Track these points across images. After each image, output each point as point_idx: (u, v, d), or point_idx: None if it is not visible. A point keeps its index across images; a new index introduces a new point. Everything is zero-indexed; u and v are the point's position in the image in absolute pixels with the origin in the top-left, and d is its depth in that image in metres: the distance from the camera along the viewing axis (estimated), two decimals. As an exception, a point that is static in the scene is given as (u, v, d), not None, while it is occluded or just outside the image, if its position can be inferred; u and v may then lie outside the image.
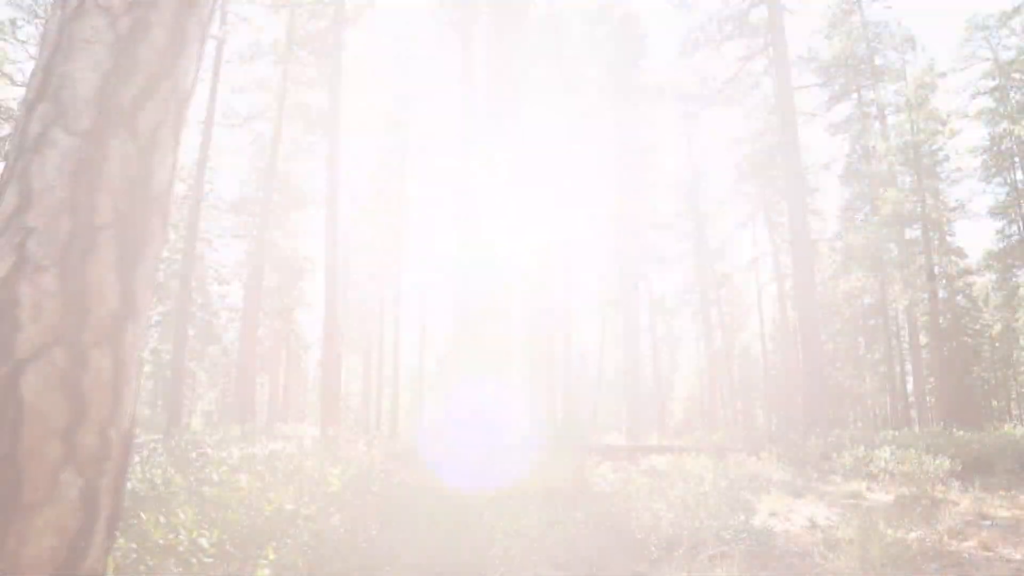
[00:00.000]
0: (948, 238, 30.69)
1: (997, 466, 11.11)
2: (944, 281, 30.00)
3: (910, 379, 35.37)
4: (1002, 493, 8.84)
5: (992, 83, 29.47)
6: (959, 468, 9.98)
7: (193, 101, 1.97)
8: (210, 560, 2.30)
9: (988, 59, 29.68)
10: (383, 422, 36.58)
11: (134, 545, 2.30)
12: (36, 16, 25.70)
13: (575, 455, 10.61)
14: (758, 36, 22.03)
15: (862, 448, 11.95)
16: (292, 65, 23.85)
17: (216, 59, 21.04)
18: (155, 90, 1.80)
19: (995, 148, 29.28)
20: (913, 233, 29.20)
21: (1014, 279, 30.53)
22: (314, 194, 32.22)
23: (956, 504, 7.95)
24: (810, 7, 32.97)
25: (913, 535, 4.86)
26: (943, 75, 29.86)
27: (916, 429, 20.54)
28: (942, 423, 23.78)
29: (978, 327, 33.35)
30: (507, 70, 8.61)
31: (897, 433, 16.55)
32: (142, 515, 2.43)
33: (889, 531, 4.65)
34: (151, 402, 36.87)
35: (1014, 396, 38.54)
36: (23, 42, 25.33)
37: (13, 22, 24.88)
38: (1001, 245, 30.39)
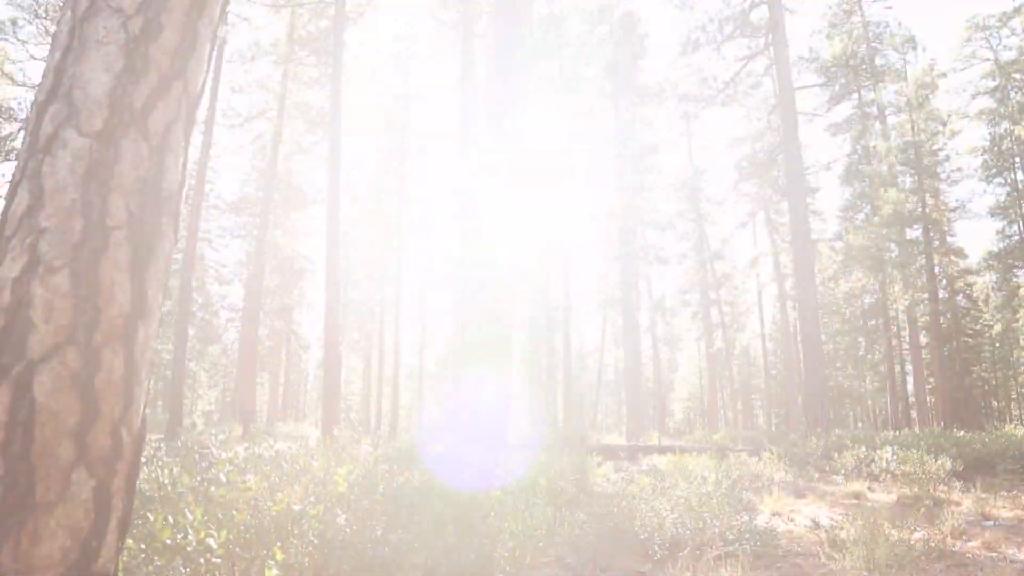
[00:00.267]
0: (949, 238, 30.73)
1: (998, 467, 11.11)
2: (944, 281, 30.02)
3: (910, 379, 35.39)
4: (1004, 493, 8.84)
5: (992, 83, 29.49)
6: (960, 468, 9.99)
7: (203, 102, 1.97)
8: (218, 560, 2.31)
9: (988, 59, 29.70)
10: (383, 422, 36.58)
11: (142, 545, 2.31)
12: (37, 16, 25.71)
13: (576, 455, 10.61)
14: (759, 36, 22.04)
15: (863, 448, 11.95)
16: (293, 65, 23.85)
17: (217, 59, 21.04)
18: (166, 90, 1.80)
19: (995, 148, 29.32)
20: (914, 233, 29.22)
21: (1014, 279, 30.56)
22: (314, 194, 32.24)
23: (958, 504, 7.96)
24: (810, 7, 33.02)
25: (917, 535, 4.86)
26: (943, 75, 29.88)
27: (916, 429, 20.53)
28: (942, 423, 23.81)
29: (978, 327, 33.40)
30: (507, 70, 8.61)
31: (898, 433, 16.56)
32: (149, 515, 2.43)
33: (893, 531, 4.65)
34: (151, 402, 36.91)
35: (1014, 396, 38.57)
36: (24, 42, 25.34)
37: (14, 22, 24.89)
38: (1001, 245, 30.43)
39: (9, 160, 23.98)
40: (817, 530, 5.79)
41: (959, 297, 31.92)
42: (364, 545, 2.60)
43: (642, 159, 29.90)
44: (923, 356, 31.99)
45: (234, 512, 2.63)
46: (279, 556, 2.33)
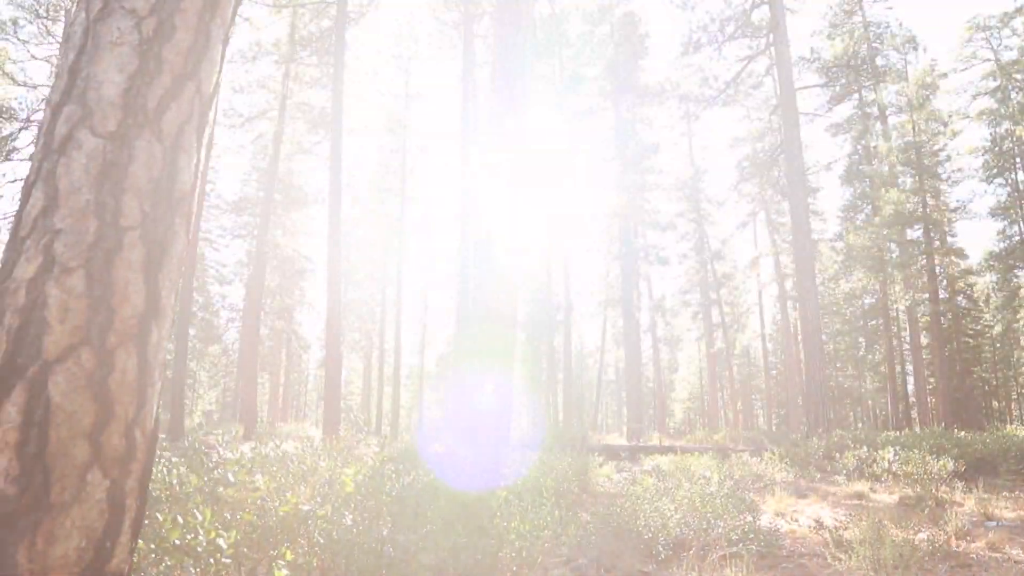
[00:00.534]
0: (949, 239, 30.72)
1: (1000, 467, 11.11)
2: (945, 282, 30.03)
3: (911, 379, 35.40)
4: (1006, 494, 8.85)
5: (993, 84, 29.49)
6: (962, 469, 9.99)
7: (215, 102, 1.97)
8: (228, 561, 2.31)
9: (989, 60, 29.70)
10: (384, 421, 36.58)
11: (152, 546, 2.31)
12: (38, 16, 25.72)
13: (578, 456, 10.62)
14: (760, 36, 22.03)
15: (865, 449, 11.96)
16: (294, 65, 23.85)
17: (218, 59, 21.00)
18: (180, 91, 1.80)
19: (996, 149, 29.32)
20: (914, 234, 29.21)
21: (1015, 280, 30.56)
22: (315, 194, 32.24)
23: (961, 505, 7.96)
24: (811, 7, 33.01)
25: (921, 536, 4.87)
26: (944, 76, 29.88)
27: (917, 430, 20.54)
28: (943, 424, 23.82)
29: (979, 328, 33.42)
30: (509, 70, 8.61)
31: (899, 434, 16.56)
32: (158, 516, 2.43)
33: (897, 532, 4.66)
34: (152, 402, 36.81)
35: (1015, 397, 38.59)
36: (24, 42, 25.34)
37: (15, 21, 24.90)
38: (1002, 246, 30.43)
39: (10, 160, 23.98)
40: (821, 530, 5.80)
41: (960, 297, 31.93)
42: (372, 545, 2.60)
43: (643, 159, 29.89)
44: (924, 356, 31.99)
45: (242, 512, 2.63)
46: (289, 556, 2.33)
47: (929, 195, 28.44)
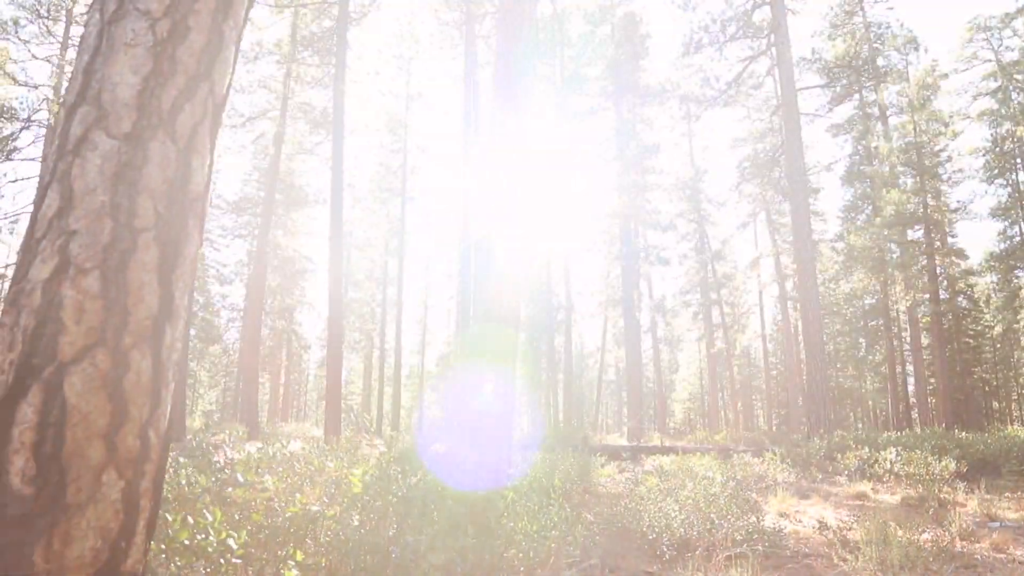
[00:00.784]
0: (950, 239, 30.73)
1: (1003, 468, 11.11)
2: (945, 282, 30.03)
3: (911, 380, 35.41)
4: (1008, 495, 8.85)
5: (994, 84, 29.50)
6: (964, 470, 10.00)
7: (227, 103, 1.98)
8: (238, 561, 2.31)
9: (990, 60, 29.72)
10: (384, 421, 36.57)
11: (162, 546, 2.31)
12: (39, 15, 25.72)
13: (580, 456, 10.62)
14: (761, 37, 22.04)
15: (866, 450, 11.96)
16: (295, 65, 23.85)
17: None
18: (193, 92, 1.80)
19: (997, 149, 29.32)
20: (915, 234, 29.22)
21: (1015, 281, 30.56)
22: (315, 194, 32.24)
23: (963, 506, 7.96)
24: (812, 7, 33.02)
25: (925, 536, 4.87)
26: (945, 76, 29.89)
27: (918, 430, 20.55)
28: (943, 424, 23.82)
29: (979, 328, 33.43)
30: (510, 70, 8.62)
31: (900, 434, 16.56)
32: (167, 516, 2.44)
33: (901, 533, 4.66)
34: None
35: (1015, 397, 38.60)
36: (26, 41, 25.32)
37: (16, 21, 24.90)
38: (1003, 246, 30.43)
39: (11, 160, 23.97)
40: (824, 531, 5.80)
41: (960, 298, 31.94)
42: (380, 545, 2.60)
43: (643, 159, 29.89)
44: (924, 357, 31.99)
45: (251, 513, 2.63)
46: (299, 557, 2.33)
47: (930, 196, 28.44)
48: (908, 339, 34.01)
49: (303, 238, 35.17)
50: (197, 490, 2.66)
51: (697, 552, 4.36)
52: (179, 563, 2.23)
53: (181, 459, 3.20)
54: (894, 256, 29.62)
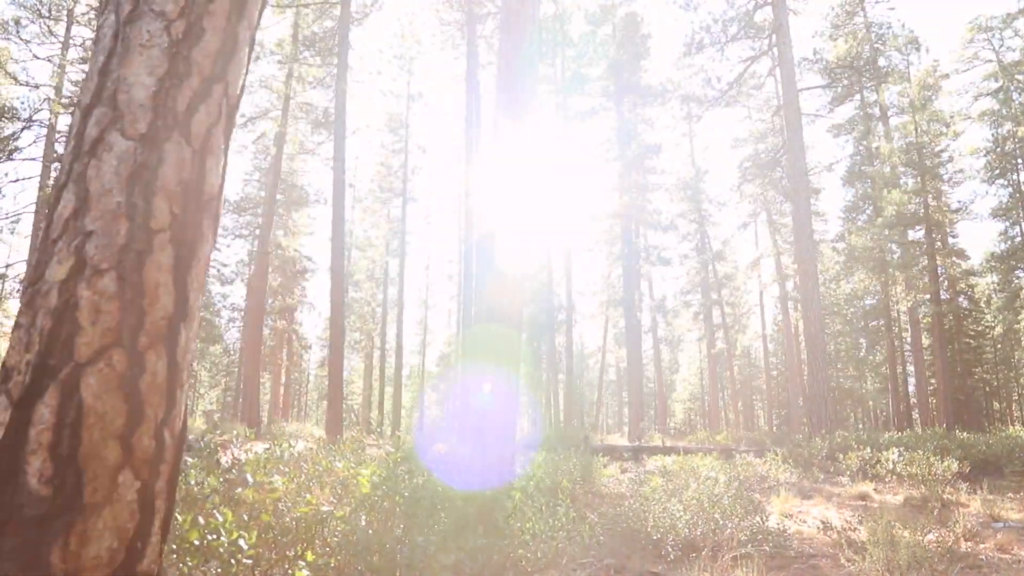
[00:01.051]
0: (951, 240, 30.72)
1: (1005, 468, 11.11)
2: (946, 283, 30.03)
3: (912, 380, 35.40)
4: (1011, 495, 8.85)
5: (995, 85, 29.50)
6: (966, 470, 10.00)
7: (241, 104, 1.98)
8: (248, 561, 2.31)
9: (991, 61, 29.72)
10: (385, 421, 36.56)
11: (173, 546, 2.31)
12: (40, 15, 25.73)
13: (583, 456, 10.62)
14: (762, 37, 22.04)
15: (868, 450, 11.97)
16: (297, 65, 23.86)
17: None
18: (208, 94, 1.81)
19: (998, 150, 29.31)
20: (916, 235, 29.21)
21: (1016, 281, 30.55)
22: (316, 194, 32.25)
23: (966, 506, 7.96)
24: (814, 7, 33.01)
25: (929, 537, 4.87)
26: (946, 77, 29.90)
27: (919, 430, 20.55)
28: (944, 425, 23.82)
29: (980, 329, 33.42)
30: (513, 70, 8.61)
31: (901, 435, 16.57)
32: (178, 517, 2.44)
33: (906, 534, 4.66)
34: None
35: (1015, 398, 38.58)
36: (27, 41, 25.35)
37: (17, 21, 24.90)
38: (1003, 247, 30.42)
39: (12, 160, 23.98)
40: (828, 531, 5.80)
41: (961, 298, 31.93)
42: (391, 545, 2.61)
43: (644, 160, 29.91)
44: (925, 357, 31.99)
45: (260, 513, 2.64)
46: (310, 557, 2.33)
47: (931, 196, 28.44)
48: (909, 339, 34.01)
49: (303, 238, 35.18)
50: (206, 490, 2.67)
51: (703, 553, 4.37)
52: (191, 563, 2.23)
53: (188, 459, 3.20)
54: (895, 256, 29.61)
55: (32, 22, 25.59)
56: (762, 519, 5.57)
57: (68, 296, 1.59)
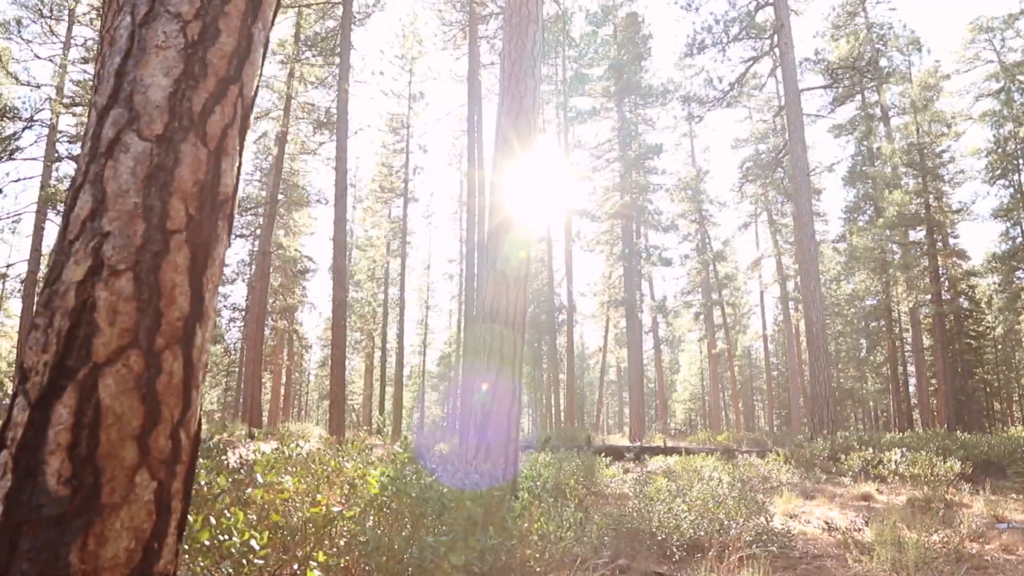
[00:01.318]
0: (952, 240, 30.72)
1: (1008, 469, 11.11)
2: (947, 283, 30.02)
3: (912, 381, 35.40)
4: (1014, 496, 8.86)
5: (996, 85, 29.49)
6: (969, 471, 10.01)
7: (255, 105, 1.99)
8: (260, 562, 2.31)
9: (992, 61, 29.73)
10: (386, 421, 36.54)
11: (185, 547, 2.32)
12: (41, 15, 25.74)
13: (585, 457, 10.63)
14: (764, 37, 22.05)
15: (870, 450, 11.97)
16: (299, 65, 23.86)
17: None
18: (224, 95, 1.81)
19: (999, 150, 29.29)
20: (917, 235, 29.21)
21: (1017, 282, 30.54)
22: (318, 193, 32.26)
23: (969, 507, 7.96)
24: (815, 8, 32.94)
25: (934, 538, 4.88)
26: (947, 77, 29.90)
27: (920, 431, 20.54)
28: (945, 425, 23.82)
29: (981, 329, 33.41)
30: (515, 70, 8.62)
31: (902, 435, 16.57)
32: (189, 517, 2.44)
33: (911, 534, 4.66)
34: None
35: (1016, 398, 38.58)
36: (28, 41, 25.37)
37: (19, 21, 24.91)
38: (1004, 247, 30.39)
39: (14, 159, 24.00)
40: (832, 532, 5.80)
41: (962, 299, 31.93)
42: (400, 546, 2.61)
43: (645, 160, 29.91)
44: (926, 358, 31.98)
45: (270, 513, 2.64)
46: (321, 557, 2.33)
47: (932, 197, 28.45)
48: (910, 340, 34.01)
49: (304, 238, 35.20)
50: (216, 491, 2.67)
51: (710, 553, 4.37)
52: (203, 564, 2.23)
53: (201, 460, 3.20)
54: (896, 257, 29.63)
55: (33, 22, 25.61)
56: (766, 519, 5.57)
57: (85, 297, 1.59)
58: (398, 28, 31.05)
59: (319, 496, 2.71)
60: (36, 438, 1.51)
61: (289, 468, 3.30)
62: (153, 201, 1.68)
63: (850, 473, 11.62)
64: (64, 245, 1.67)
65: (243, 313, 33.18)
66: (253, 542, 2.28)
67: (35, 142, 26.32)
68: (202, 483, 2.67)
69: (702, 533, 5.10)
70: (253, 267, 30.27)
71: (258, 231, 29.67)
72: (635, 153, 29.00)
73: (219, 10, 1.83)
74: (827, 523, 6.47)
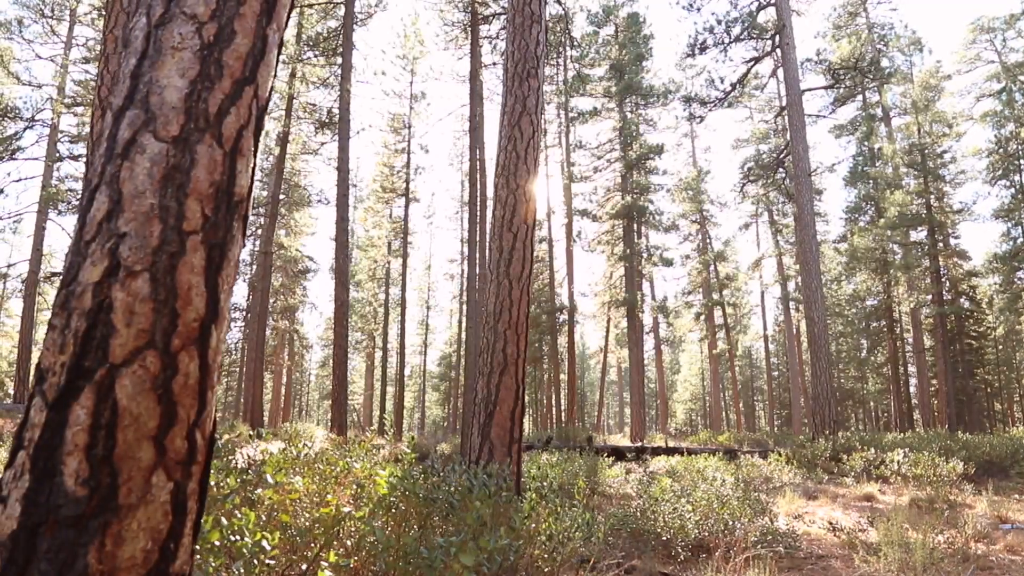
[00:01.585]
0: (953, 241, 30.71)
1: (1011, 470, 11.11)
2: (948, 284, 30.02)
3: (913, 381, 35.39)
4: (1017, 496, 8.85)
5: (997, 86, 29.48)
6: (971, 471, 10.01)
7: (269, 106, 1.99)
8: (271, 562, 2.32)
9: (993, 61, 29.72)
10: (386, 421, 36.54)
11: (196, 547, 2.32)
12: (43, 15, 25.74)
13: (588, 457, 10.63)
14: (765, 38, 22.05)
15: (872, 451, 11.97)
16: (301, 65, 23.87)
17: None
18: (239, 96, 1.81)
19: (1000, 150, 29.29)
20: (918, 235, 29.20)
21: (1018, 282, 30.52)
22: (319, 194, 32.24)
23: (972, 507, 7.96)
24: (816, 8, 32.96)
25: (939, 538, 4.88)
26: (948, 77, 29.89)
27: (921, 431, 20.54)
28: (946, 426, 23.82)
29: (982, 330, 33.41)
30: (518, 70, 8.62)
31: (904, 436, 16.57)
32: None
33: (916, 535, 4.66)
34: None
35: (1017, 399, 38.57)
36: (29, 41, 25.38)
37: (20, 21, 24.92)
38: (1005, 248, 30.37)
39: (15, 159, 24.00)
40: (837, 532, 5.80)
41: (963, 299, 31.93)
42: (411, 546, 2.61)
43: (646, 160, 29.91)
44: (927, 358, 31.98)
45: (279, 514, 2.64)
46: (332, 558, 2.34)
47: (933, 197, 28.45)
48: (911, 340, 34.01)
49: (305, 238, 35.19)
50: (225, 491, 2.67)
51: (716, 554, 4.37)
52: (215, 564, 2.24)
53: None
54: (897, 257, 29.62)
55: (35, 22, 25.62)
56: (771, 520, 5.57)
57: (102, 298, 1.60)
58: (400, 28, 31.10)
59: (329, 496, 2.71)
60: (54, 439, 1.52)
61: (297, 468, 3.30)
62: (169, 202, 1.68)
63: (852, 473, 11.62)
64: (80, 246, 1.68)
65: (244, 313, 33.18)
66: (265, 543, 2.28)
67: (36, 142, 26.34)
68: (212, 483, 2.67)
69: (707, 533, 5.10)
70: (254, 267, 30.29)
71: (260, 231, 29.68)
72: (636, 153, 29.00)
73: (234, 12, 1.83)
74: (831, 523, 6.47)
